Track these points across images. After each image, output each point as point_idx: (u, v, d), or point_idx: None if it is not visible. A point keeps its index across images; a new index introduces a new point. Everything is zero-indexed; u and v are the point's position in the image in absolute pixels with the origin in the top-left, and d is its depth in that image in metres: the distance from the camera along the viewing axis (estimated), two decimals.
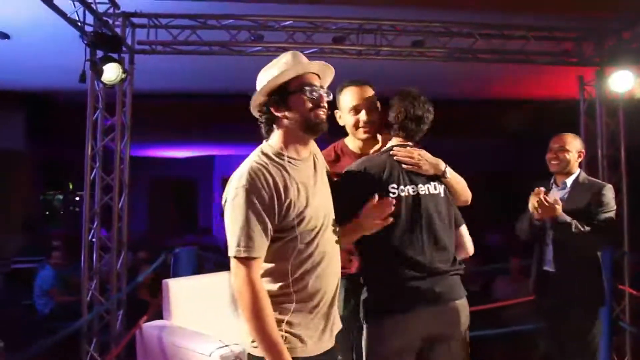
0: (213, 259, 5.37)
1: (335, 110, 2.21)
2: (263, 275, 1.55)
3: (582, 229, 2.43)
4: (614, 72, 3.94)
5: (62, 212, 10.80)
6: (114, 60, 3.59)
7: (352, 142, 2.26)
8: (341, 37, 4.23)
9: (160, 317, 3.01)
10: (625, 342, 3.98)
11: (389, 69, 4.66)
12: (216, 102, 7.11)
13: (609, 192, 2.56)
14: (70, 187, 10.71)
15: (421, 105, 1.95)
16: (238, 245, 1.47)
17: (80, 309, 3.77)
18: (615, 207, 2.56)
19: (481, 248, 5.99)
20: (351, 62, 4.25)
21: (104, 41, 3.59)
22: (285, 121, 1.62)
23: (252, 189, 1.49)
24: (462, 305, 1.88)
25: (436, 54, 4.27)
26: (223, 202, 1.58)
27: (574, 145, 2.66)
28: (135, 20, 4.00)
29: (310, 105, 1.61)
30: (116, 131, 3.98)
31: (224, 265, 3.63)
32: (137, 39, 4.07)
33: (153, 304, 3.76)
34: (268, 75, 1.63)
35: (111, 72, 3.60)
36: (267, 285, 1.55)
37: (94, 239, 3.88)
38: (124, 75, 3.68)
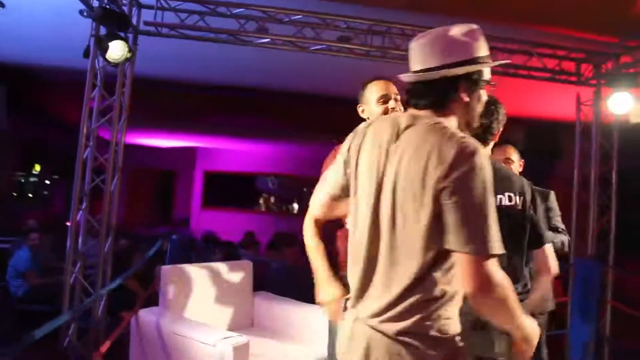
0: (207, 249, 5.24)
1: (359, 106, 2.36)
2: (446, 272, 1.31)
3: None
4: (611, 93, 4.07)
5: (31, 195, 10.42)
6: (120, 38, 3.49)
7: None
8: (347, 36, 4.23)
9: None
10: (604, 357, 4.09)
11: (392, 72, 4.67)
12: (205, 93, 6.99)
13: (553, 197, 2.69)
14: (37, 169, 10.24)
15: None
16: (490, 241, 1.22)
17: (56, 293, 3.62)
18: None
19: None
20: (353, 62, 4.27)
21: (112, 17, 3.48)
22: (462, 110, 1.40)
23: (490, 174, 1.26)
24: None
25: None
26: (450, 179, 1.23)
27: (516, 157, 2.72)
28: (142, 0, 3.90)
29: (480, 108, 1.44)
30: (114, 112, 3.86)
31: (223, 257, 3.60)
32: (142, 19, 3.97)
33: (142, 293, 3.67)
34: (478, 49, 1.38)
35: (117, 50, 3.49)
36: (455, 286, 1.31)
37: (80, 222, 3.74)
38: (129, 55, 3.57)
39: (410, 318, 1.28)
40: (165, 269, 2.95)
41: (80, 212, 3.73)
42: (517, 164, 2.72)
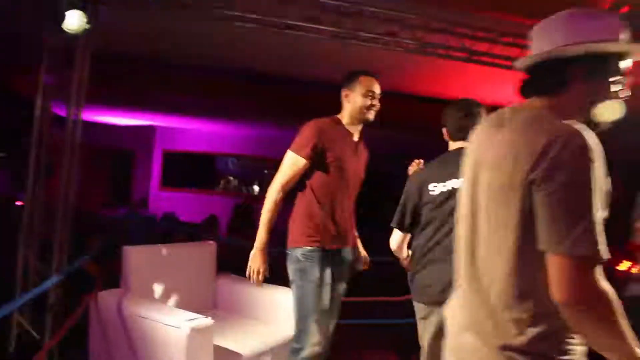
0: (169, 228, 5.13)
1: (344, 89, 2.55)
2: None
3: None
4: None
5: None
6: (78, 8, 3.31)
7: (352, 127, 2.57)
8: (316, 16, 4.17)
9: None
10: None
11: (362, 55, 4.67)
12: (165, 71, 6.77)
13: None
14: None
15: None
16: (588, 241, 1.04)
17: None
18: None
19: None
20: (319, 43, 4.23)
21: None
22: (581, 99, 1.22)
23: (594, 171, 1.07)
24: None
25: (410, 46, 4.31)
26: (540, 169, 1.10)
27: None
28: None
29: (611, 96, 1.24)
30: (73, 86, 3.68)
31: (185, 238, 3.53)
32: None
33: (101, 275, 3.56)
34: (605, 30, 1.21)
35: (74, 21, 3.32)
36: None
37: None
38: (87, 26, 3.41)
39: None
40: (128, 249, 2.87)
41: (33, 191, 3.56)
42: None
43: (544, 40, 1.25)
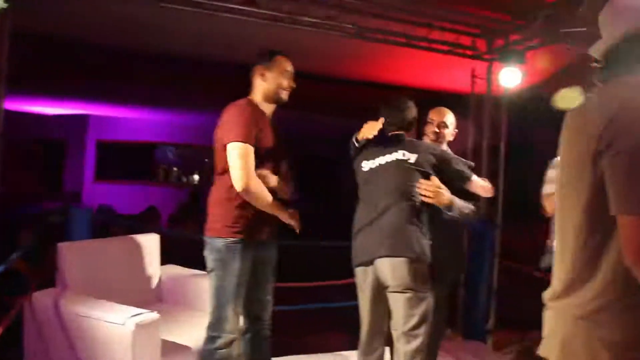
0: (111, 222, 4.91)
1: (259, 67, 2.45)
2: None
3: (471, 207, 2.63)
4: (502, 68, 4.38)
5: None
6: None
7: (265, 106, 2.48)
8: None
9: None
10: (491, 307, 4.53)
11: (301, 38, 4.63)
12: (98, 56, 6.43)
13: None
14: None
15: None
16: None
17: None
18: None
19: None
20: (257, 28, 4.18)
21: None
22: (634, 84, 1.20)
23: None
24: None
25: (349, 30, 4.32)
26: (609, 133, 1.10)
27: (452, 121, 2.90)
28: None
29: None
30: None
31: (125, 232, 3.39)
32: None
33: (34, 275, 3.35)
34: None
35: None
36: None
37: None
38: (5, 5, 3.16)
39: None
40: (63, 246, 2.72)
41: None
42: (450, 130, 2.86)
43: (618, 22, 1.24)
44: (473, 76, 4.75)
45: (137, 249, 3.14)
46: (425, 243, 2.45)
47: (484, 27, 4.57)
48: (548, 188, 2.95)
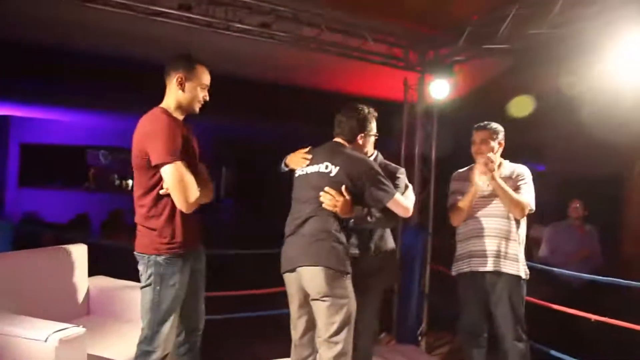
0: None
1: (178, 73, 2.32)
2: None
3: (376, 217, 2.59)
4: (432, 80, 4.58)
5: None
6: None
7: (177, 113, 2.37)
8: (187, 4, 4.04)
9: None
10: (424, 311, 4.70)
11: (235, 46, 4.62)
12: (20, 55, 6.09)
13: (403, 175, 2.79)
14: None
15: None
16: None
17: None
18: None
19: None
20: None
21: None
22: None
23: None
24: None
25: (283, 39, 4.36)
26: None
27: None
28: None
29: None
30: None
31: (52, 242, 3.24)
32: None
33: None
34: None
35: None
36: None
37: None
38: None
39: None
40: None
41: None
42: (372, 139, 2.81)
43: None
44: (405, 85, 4.92)
45: (64, 260, 3.02)
46: (342, 251, 2.47)
47: (415, 40, 4.76)
48: (452, 199, 3.08)
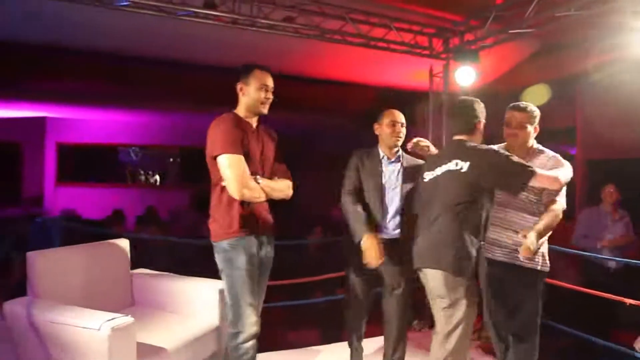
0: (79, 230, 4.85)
1: (239, 83, 2.58)
2: None
3: None
4: (458, 67, 4.57)
5: None
6: None
7: (250, 117, 2.60)
8: (214, 3, 4.13)
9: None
10: None
11: (259, 41, 4.70)
12: (55, 57, 6.28)
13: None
14: None
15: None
16: None
17: None
18: None
19: None
20: (218, 30, 4.23)
21: None
22: None
23: None
24: None
25: (308, 32, 4.42)
26: None
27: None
28: None
29: None
30: None
31: (91, 237, 3.39)
32: None
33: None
34: None
35: None
36: None
37: None
38: None
39: None
40: (32, 255, 2.72)
41: None
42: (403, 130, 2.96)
43: None
44: (431, 74, 4.92)
45: (109, 254, 3.16)
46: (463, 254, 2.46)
47: (439, 28, 4.75)
48: None
